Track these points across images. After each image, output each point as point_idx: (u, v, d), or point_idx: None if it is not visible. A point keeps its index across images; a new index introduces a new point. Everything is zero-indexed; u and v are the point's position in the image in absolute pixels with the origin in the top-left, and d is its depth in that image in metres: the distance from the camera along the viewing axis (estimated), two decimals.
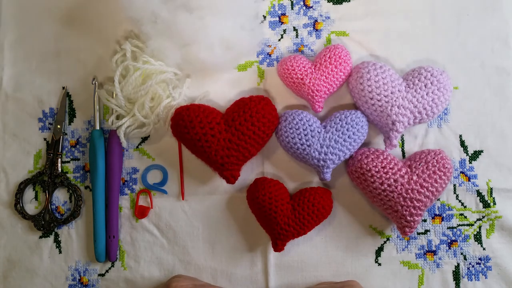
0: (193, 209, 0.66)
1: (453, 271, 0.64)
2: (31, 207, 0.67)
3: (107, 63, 0.66)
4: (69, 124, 0.68)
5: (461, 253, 0.64)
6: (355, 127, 0.60)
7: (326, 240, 0.65)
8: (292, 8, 0.67)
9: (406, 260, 0.64)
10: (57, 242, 0.67)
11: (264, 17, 0.67)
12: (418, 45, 0.65)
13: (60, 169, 0.67)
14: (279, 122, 0.62)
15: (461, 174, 0.64)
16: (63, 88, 0.67)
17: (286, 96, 0.66)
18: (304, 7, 0.67)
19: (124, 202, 0.66)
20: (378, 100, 0.59)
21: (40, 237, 0.67)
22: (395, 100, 0.59)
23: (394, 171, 0.59)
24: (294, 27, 0.66)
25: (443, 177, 0.59)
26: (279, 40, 0.67)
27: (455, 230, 0.64)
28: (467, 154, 0.64)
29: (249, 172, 0.65)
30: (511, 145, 0.64)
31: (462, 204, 0.64)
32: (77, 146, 0.67)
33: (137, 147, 0.67)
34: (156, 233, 0.66)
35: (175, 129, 0.62)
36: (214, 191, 0.66)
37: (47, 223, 0.66)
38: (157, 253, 0.66)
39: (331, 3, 0.66)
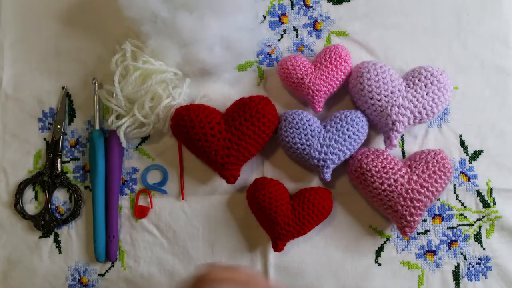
0: (193, 209, 0.66)
1: (453, 271, 0.64)
2: (31, 207, 0.67)
3: (107, 63, 0.66)
4: (69, 124, 0.68)
5: (461, 253, 0.64)
6: (355, 127, 0.60)
7: (326, 240, 0.64)
8: (292, 8, 0.67)
9: (406, 260, 0.64)
10: (57, 242, 0.67)
11: (264, 17, 0.67)
12: (418, 45, 0.65)
13: (60, 169, 0.67)
14: (279, 122, 0.62)
15: (461, 174, 0.64)
16: (63, 88, 0.67)
17: (286, 96, 0.66)
18: (304, 7, 0.67)
19: (124, 202, 0.66)
20: (378, 100, 0.59)
21: (40, 237, 0.67)
22: (395, 100, 0.59)
23: (394, 171, 0.59)
24: (294, 27, 0.66)
25: (443, 177, 0.59)
26: (279, 40, 0.66)
27: (455, 230, 0.64)
28: (467, 154, 0.64)
29: (249, 172, 0.65)
30: (511, 145, 0.64)
31: (462, 204, 0.64)
32: (77, 146, 0.67)
33: (137, 147, 0.67)
34: (156, 233, 0.66)
35: (175, 129, 0.62)
36: (214, 191, 0.66)
37: (47, 223, 0.66)
38: (157, 253, 0.66)
39: (331, 3, 0.66)
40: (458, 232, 0.64)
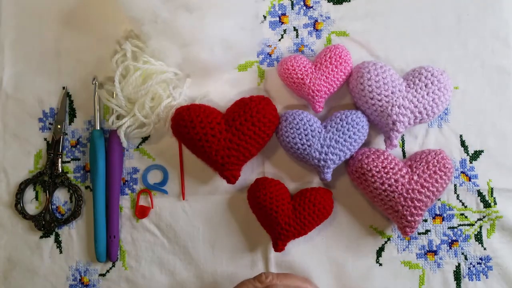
0: (193, 209, 0.66)
1: (454, 271, 0.64)
2: (32, 207, 0.67)
3: (107, 63, 0.66)
4: (70, 124, 0.68)
5: (462, 253, 0.64)
6: (356, 127, 0.60)
7: (327, 240, 0.64)
8: (292, 8, 0.67)
9: (407, 260, 0.64)
10: (58, 242, 0.67)
11: (264, 17, 0.67)
12: (418, 45, 0.65)
13: (60, 169, 0.67)
14: (280, 122, 0.62)
15: (461, 174, 0.64)
16: (63, 88, 0.67)
17: (287, 96, 0.66)
18: (304, 7, 0.67)
19: (125, 202, 0.66)
20: (379, 100, 0.59)
21: (41, 237, 0.67)
22: (395, 100, 0.59)
23: (394, 171, 0.59)
24: (294, 27, 0.66)
25: (443, 177, 0.59)
26: (279, 40, 0.67)
27: (455, 230, 0.64)
28: (468, 154, 0.64)
29: (249, 172, 0.65)
30: (511, 145, 0.64)
31: (463, 204, 0.64)
32: (78, 146, 0.67)
33: (138, 147, 0.67)
34: (157, 233, 0.66)
35: (176, 129, 0.62)
36: (214, 191, 0.66)
37: (47, 223, 0.66)
38: (157, 253, 0.66)
39: (331, 3, 0.66)
40: (459, 232, 0.64)
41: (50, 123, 0.68)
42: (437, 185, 0.59)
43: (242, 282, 0.57)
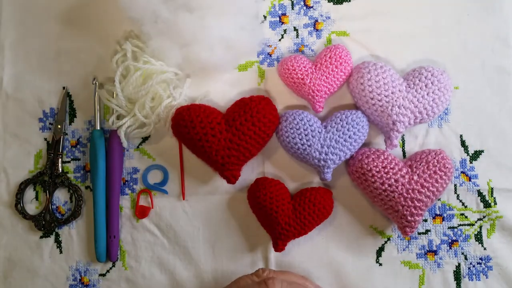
0: (193, 209, 0.66)
1: (454, 271, 0.64)
2: (32, 207, 0.67)
3: (107, 63, 0.66)
4: (70, 124, 0.68)
5: (462, 253, 0.64)
6: (356, 127, 0.60)
7: (327, 240, 0.64)
8: (292, 8, 0.67)
9: (407, 260, 0.64)
10: (58, 242, 0.67)
11: (265, 17, 0.67)
12: (419, 45, 0.65)
13: (60, 169, 0.67)
14: (280, 122, 0.62)
15: (461, 174, 0.64)
16: (64, 88, 0.67)
17: (287, 96, 0.66)
18: (305, 7, 0.67)
19: (125, 202, 0.66)
20: (379, 100, 0.59)
21: (41, 237, 0.67)
22: (395, 100, 0.59)
23: (394, 171, 0.59)
24: (294, 27, 0.67)
25: (443, 177, 0.59)
26: (280, 40, 0.67)
27: (456, 230, 0.64)
28: (468, 154, 0.64)
29: (249, 172, 0.65)
30: (511, 145, 0.64)
31: (463, 204, 0.64)
32: (78, 146, 0.67)
33: (138, 147, 0.67)
34: (157, 233, 0.66)
35: (176, 129, 0.62)
36: (214, 191, 0.66)
37: (47, 223, 0.66)
38: (158, 253, 0.66)
39: (332, 3, 0.66)
40: (459, 232, 0.64)
41: (50, 123, 0.68)
42: (437, 185, 0.59)
43: (240, 277, 0.57)
